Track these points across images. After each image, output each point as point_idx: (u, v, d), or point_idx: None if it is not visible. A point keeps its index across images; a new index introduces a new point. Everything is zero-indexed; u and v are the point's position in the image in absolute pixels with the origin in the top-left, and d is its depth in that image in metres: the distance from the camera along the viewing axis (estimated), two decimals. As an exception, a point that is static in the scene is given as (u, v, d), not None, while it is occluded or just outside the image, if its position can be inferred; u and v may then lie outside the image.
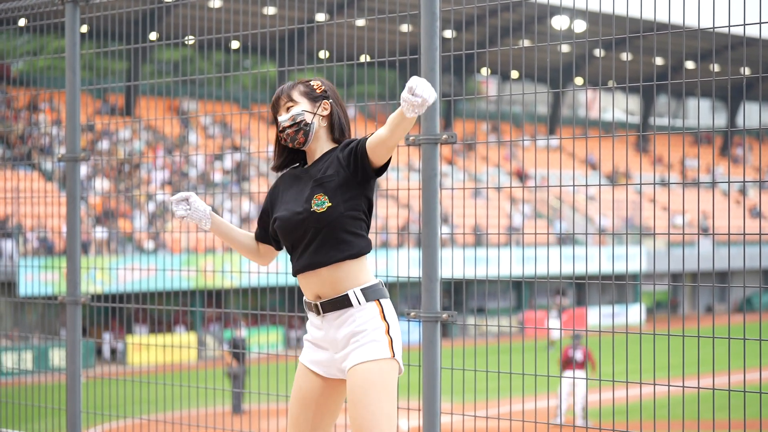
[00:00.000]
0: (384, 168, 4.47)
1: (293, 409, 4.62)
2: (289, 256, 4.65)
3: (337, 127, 4.61)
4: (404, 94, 4.13)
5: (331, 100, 4.62)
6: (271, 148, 4.84)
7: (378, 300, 4.47)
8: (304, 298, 4.60)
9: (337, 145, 4.61)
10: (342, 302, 4.44)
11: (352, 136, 4.63)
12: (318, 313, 4.49)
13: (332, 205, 4.43)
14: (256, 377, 21.62)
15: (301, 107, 4.56)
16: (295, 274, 4.57)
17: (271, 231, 4.69)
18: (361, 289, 4.45)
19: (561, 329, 5.54)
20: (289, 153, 4.72)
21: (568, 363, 18.92)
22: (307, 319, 4.66)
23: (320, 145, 4.60)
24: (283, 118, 4.57)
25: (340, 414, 4.78)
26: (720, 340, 5.38)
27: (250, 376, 21.32)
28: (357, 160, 4.42)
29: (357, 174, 4.45)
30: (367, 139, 4.43)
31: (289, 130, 4.55)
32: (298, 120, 4.54)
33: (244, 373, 20.80)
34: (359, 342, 4.40)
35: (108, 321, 27.60)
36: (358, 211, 4.48)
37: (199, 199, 4.74)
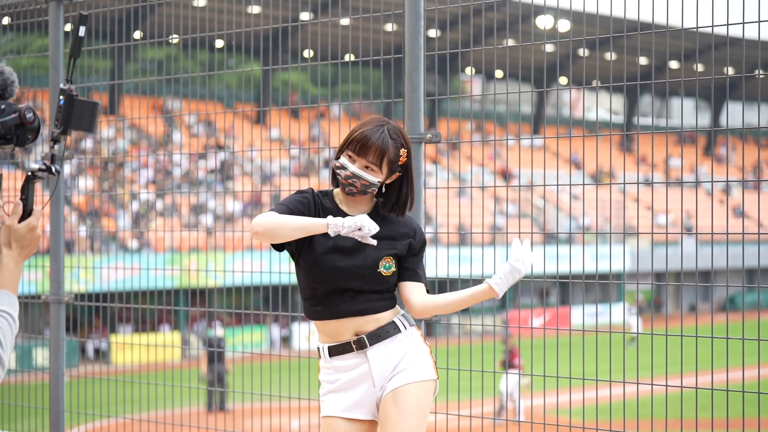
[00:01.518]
0: None
1: None
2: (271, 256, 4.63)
3: (393, 198, 4.53)
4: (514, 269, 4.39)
5: (402, 173, 4.52)
6: (255, 147, 4.77)
7: (416, 326, 4.56)
8: (331, 344, 4.49)
9: (379, 202, 4.53)
10: (390, 330, 4.45)
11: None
12: (362, 348, 4.44)
13: (395, 270, 4.46)
14: (240, 376, 21.60)
15: (378, 179, 4.43)
16: (331, 318, 4.47)
17: (299, 257, 4.51)
18: (403, 315, 4.51)
19: (544, 328, 5.54)
20: None
21: (512, 364, 19.28)
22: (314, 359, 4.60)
23: (365, 199, 4.53)
24: (358, 172, 4.40)
25: None
26: (703, 339, 5.39)
27: (234, 375, 21.30)
28: (408, 255, 4.50)
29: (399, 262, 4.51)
30: (421, 271, 4.52)
31: (353, 185, 4.41)
32: (368, 190, 4.43)
33: (225, 372, 20.78)
34: (409, 362, 4.44)
35: (92, 320, 27.54)
36: None
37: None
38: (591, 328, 5.75)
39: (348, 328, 4.44)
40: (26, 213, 3.21)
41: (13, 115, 3.17)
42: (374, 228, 4.26)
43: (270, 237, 4.31)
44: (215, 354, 20.16)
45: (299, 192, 4.55)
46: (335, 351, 4.48)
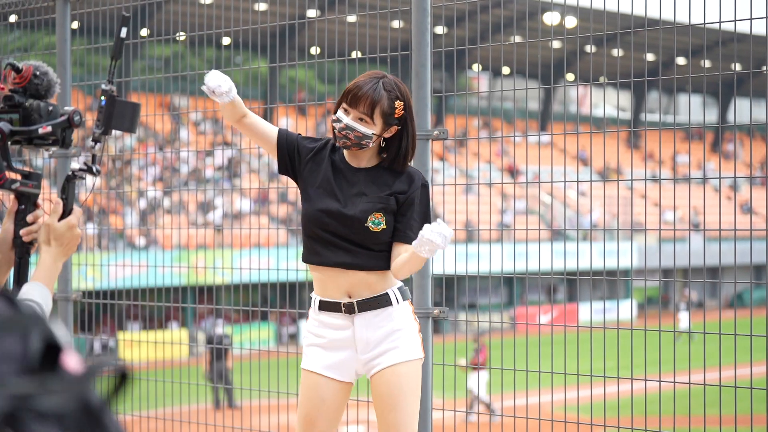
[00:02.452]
0: None
1: (318, 421, 4.56)
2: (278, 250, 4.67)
3: (389, 150, 4.55)
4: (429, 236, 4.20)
5: (401, 126, 4.52)
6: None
7: (410, 300, 4.54)
8: (322, 298, 4.51)
9: (383, 158, 4.55)
10: (382, 301, 4.45)
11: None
12: (350, 312, 4.47)
13: (386, 228, 4.44)
14: (247, 373, 21.61)
15: (372, 130, 4.45)
16: (319, 264, 4.51)
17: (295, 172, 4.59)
18: (398, 288, 4.49)
19: (552, 324, 5.54)
20: None
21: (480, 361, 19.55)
22: (305, 318, 4.62)
23: (367, 154, 4.55)
24: (353, 125, 4.43)
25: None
26: (711, 335, 5.38)
27: (241, 372, 21.30)
28: (397, 213, 4.45)
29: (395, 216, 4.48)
30: (410, 231, 4.44)
31: (347, 137, 4.44)
32: (362, 142, 4.46)
33: (226, 370, 20.79)
34: (398, 340, 4.42)
35: (99, 318, 27.58)
36: None
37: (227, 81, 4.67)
38: (599, 325, 5.74)
39: (339, 284, 4.45)
40: (66, 212, 3.24)
41: (63, 118, 3.22)
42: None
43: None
44: (215, 351, 20.24)
45: (316, 139, 4.63)
46: (325, 306, 4.52)
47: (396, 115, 4.47)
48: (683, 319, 31.56)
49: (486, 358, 19.09)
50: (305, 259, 4.56)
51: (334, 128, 4.50)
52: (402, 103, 4.48)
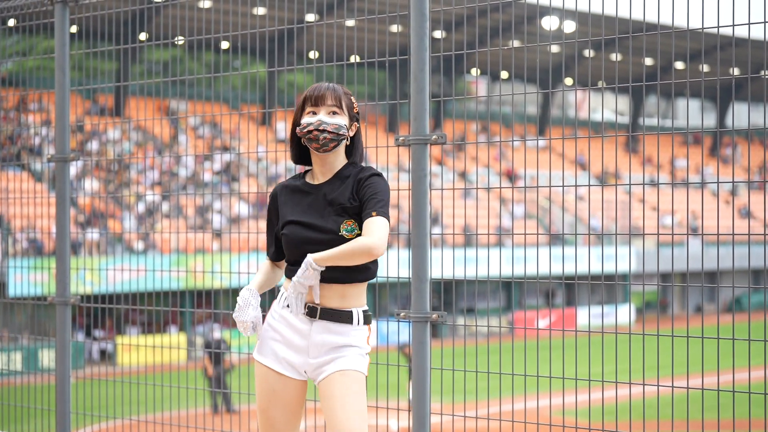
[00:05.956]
0: None
1: (271, 413, 4.60)
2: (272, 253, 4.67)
3: (356, 149, 4.62)
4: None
5: (358, 124, 4.61)
6: (261, 148, 4.80)
7: (369, 326, 4.54)
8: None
9: (347, 162, 4.60)
10: (345, 317, 4.46)
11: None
12: (312, 316, 4.48)
13: (360, 234, 4.43)
14: (245, 377, 21.62)
15: (344, 120, 4.51)
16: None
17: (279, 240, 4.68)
18: (363, 311, 4.50)
19: (550, 329, 5.54)
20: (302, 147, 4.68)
21: None
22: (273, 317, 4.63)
23: (337, 158, 4.57)
24: (327, 120, 4.47)
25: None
26: (709, 340, 5.39)
27: (231, 376, 21.28)
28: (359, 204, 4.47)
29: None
30: (372, 212, 4.41)
31: (327, 134, 4.46)
32: (340, 132, 4.49)
33: (224, 373, 20.81)
34: (347, 352, 4.45)
35: (98, 322, 27.55)
36: None
37: (253, 312, 4.62)
38: (597, 329, 5.74)
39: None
40: None
41: None
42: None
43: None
44: (213, 356, 20.27)
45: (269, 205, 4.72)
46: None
47: (355, 110, 4.57)
48: None
49: None
50: (288, 275, 4.59)
51: (305, 140, 4.51)
52: (356, 102, 4.59)
